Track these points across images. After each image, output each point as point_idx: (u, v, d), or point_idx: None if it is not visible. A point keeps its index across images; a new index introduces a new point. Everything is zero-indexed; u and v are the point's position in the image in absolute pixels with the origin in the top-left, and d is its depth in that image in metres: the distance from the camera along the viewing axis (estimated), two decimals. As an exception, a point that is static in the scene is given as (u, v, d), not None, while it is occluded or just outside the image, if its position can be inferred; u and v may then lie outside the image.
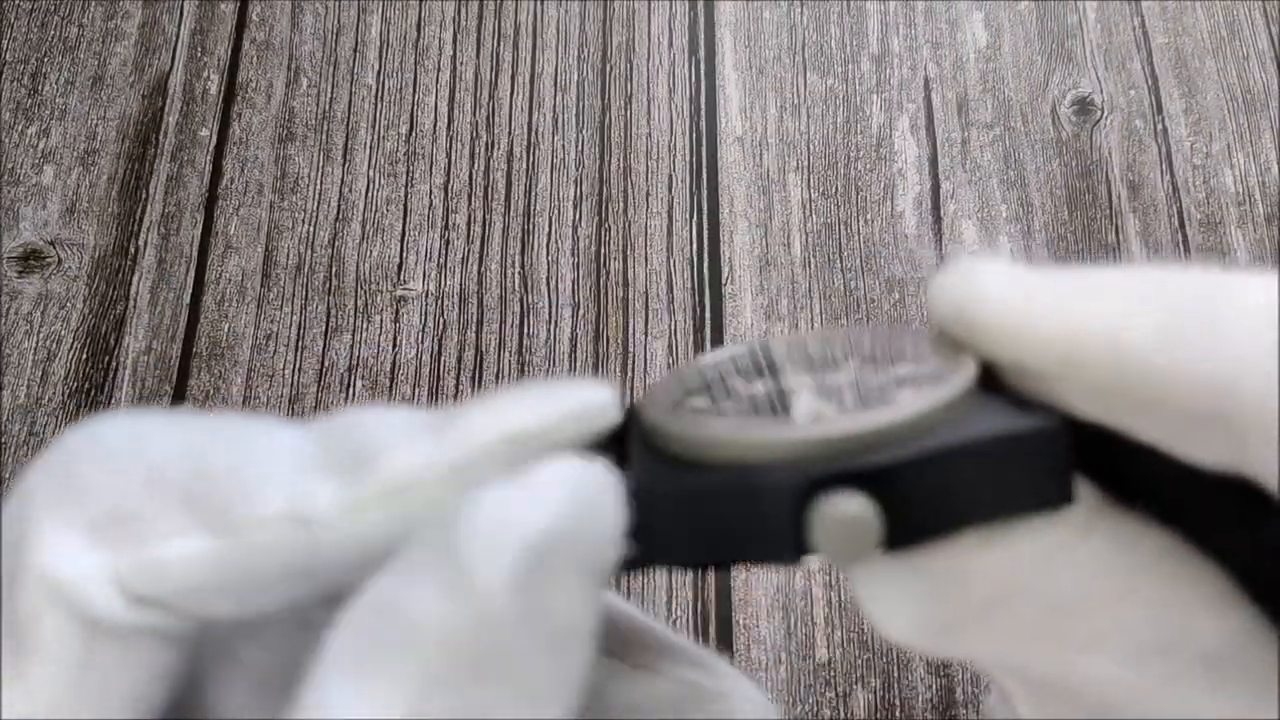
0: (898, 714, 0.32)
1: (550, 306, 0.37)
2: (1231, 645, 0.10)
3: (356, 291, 0.37)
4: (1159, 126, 0.40)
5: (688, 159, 0.39)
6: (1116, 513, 0.10)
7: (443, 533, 0.10)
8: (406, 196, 0.39)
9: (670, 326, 0.37)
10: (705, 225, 0.38)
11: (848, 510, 0.10)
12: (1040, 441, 0.10)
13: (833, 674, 0.32)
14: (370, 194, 0.39)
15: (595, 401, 0.11)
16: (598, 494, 0.10)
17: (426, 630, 0.09)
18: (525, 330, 0.37)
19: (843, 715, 0.32)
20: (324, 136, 0.39)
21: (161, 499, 0.11)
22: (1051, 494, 0.10)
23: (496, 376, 0.36)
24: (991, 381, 0.11)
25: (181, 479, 0.11)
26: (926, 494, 0.10)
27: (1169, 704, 0.10)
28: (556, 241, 0.38)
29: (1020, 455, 0.10)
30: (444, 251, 0.38)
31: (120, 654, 0.11)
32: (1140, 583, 0.10)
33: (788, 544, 0.10)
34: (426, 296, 0.37)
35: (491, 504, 0.10)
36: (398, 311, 0.37)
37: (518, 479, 0.10)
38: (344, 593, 0.12)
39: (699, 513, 0.11)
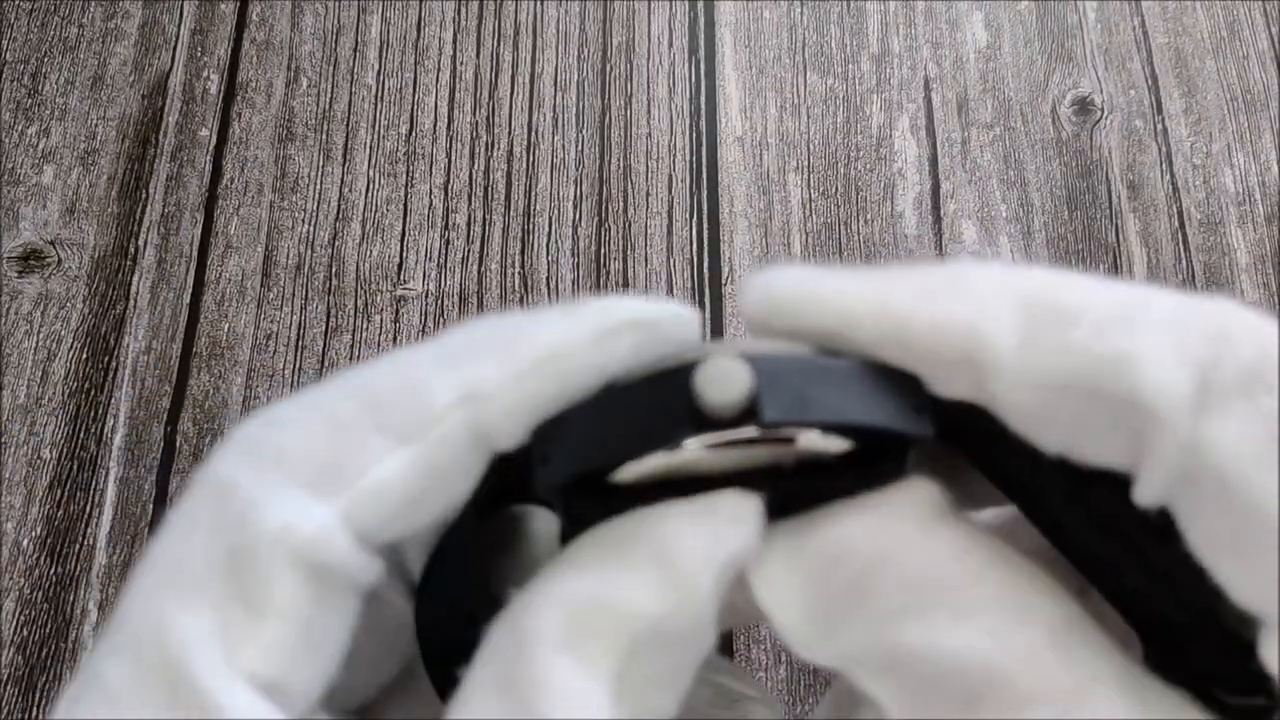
0: (898, 714, 0.32)
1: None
2: (1071, 620, 0.12)
3: (356, 291, 0.37)
4: (1159, 126, 0.40)
5: (688, 159, 0.39)
6: (964, 515, 0.13)
7: (652, 544, 0.12)
8: (406, 196, 0.39)
9: (670, 326, 0.37)
10: (705, 225, 0.38)
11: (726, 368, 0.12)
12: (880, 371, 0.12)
13: (832, 674, 0.32)
14: (370, 194, 0.39)
15: (688, 314, 0.14)
16: (760, 523, 0.12)
17: (642, 617, 0.12)
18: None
19: (843, 715, 0.32)
20: (324, 136, 0.39)
21: (354, 437, 0.13)
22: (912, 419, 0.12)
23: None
24: None
25: (358, 414, 0.13)
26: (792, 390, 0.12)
27: (1028, 675, 0.11)
28: (556, 241, 0.38)
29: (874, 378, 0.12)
30: (444, 251, 0.38)
31: (337, 605, 0.13)
32: (989, 568, 0.12)
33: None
34: (426, 296, 0.37)
35: (699, 523, 0.12)
36: (398, 311, 0.37)
37: (709, 505, 0.12)
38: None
39: (610, 407, 0.13)
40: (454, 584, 0.14)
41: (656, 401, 0.12)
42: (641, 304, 0.13)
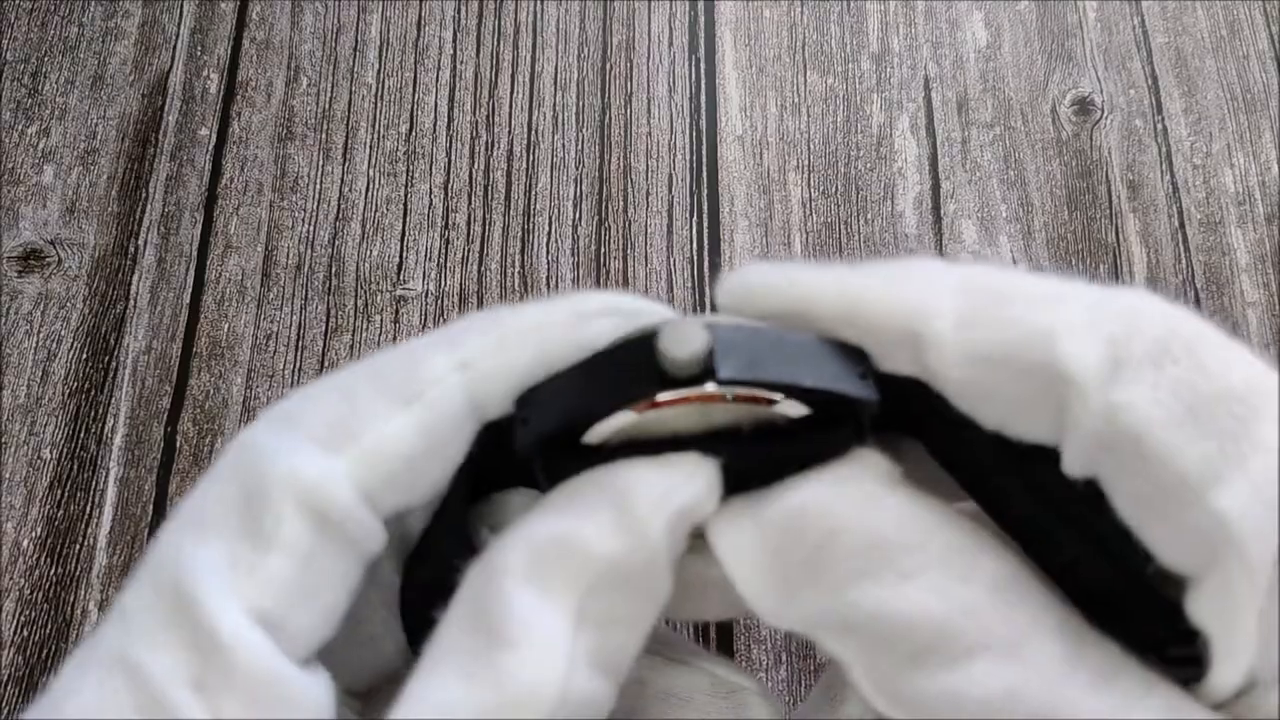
0: (898, 713, 0.32)
1: (550, 306, 0.37)
2: (1012, 576, 0.13)
3: (356, 291, 0.37)
4: (1159, 126, 0.40)
5: (688, 158, 0.39)
6: (910, 482, 0.14)
7: (613, 492, 0.13)
8: (406, 196, 0.39)
9: (670, 326, 0.37)
10: (705, 224, 0.38)
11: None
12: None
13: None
14: (370, 193, 0.39)
15: (667, 314, 0.15)
16: (716, 481, 0.14)
17: (603, 555, 0.13)
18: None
19: (843, 715, 0.32)
20: (324, 136, 0.39)
21: (360, 402, 0.14)
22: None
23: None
24: None
25: (366, 384, 0.14)
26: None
27: (971, 629, 0.12)
28: (556, 241, 0.38)
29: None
30: (444, 251, 0.38)
31: (336, 558, 0.13)
32: (936, 529, 0.13)
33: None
34: (426, 296, 0.37)
35: (656, 475, 0.13)
36: (398, 311, 0.37)
37: (666, 460, 0.13)
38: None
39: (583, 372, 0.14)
40: (439, 551, 0.15)
41: (623, 362, 0.13)
42: (622, 297, 0.15)
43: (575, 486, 0.14)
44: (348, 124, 0.39)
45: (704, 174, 0.39)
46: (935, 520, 0.13)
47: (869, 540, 0.13)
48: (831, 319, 0.14)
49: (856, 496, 0.13)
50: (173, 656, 0.12)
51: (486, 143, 0.39)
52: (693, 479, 0.13)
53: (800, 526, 0.13)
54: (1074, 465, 0.12)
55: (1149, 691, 0.12)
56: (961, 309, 0.13)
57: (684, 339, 0.13)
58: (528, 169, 0.39)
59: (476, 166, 0.39)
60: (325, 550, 0.13)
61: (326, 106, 0.40)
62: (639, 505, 0.13)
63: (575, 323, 0.14)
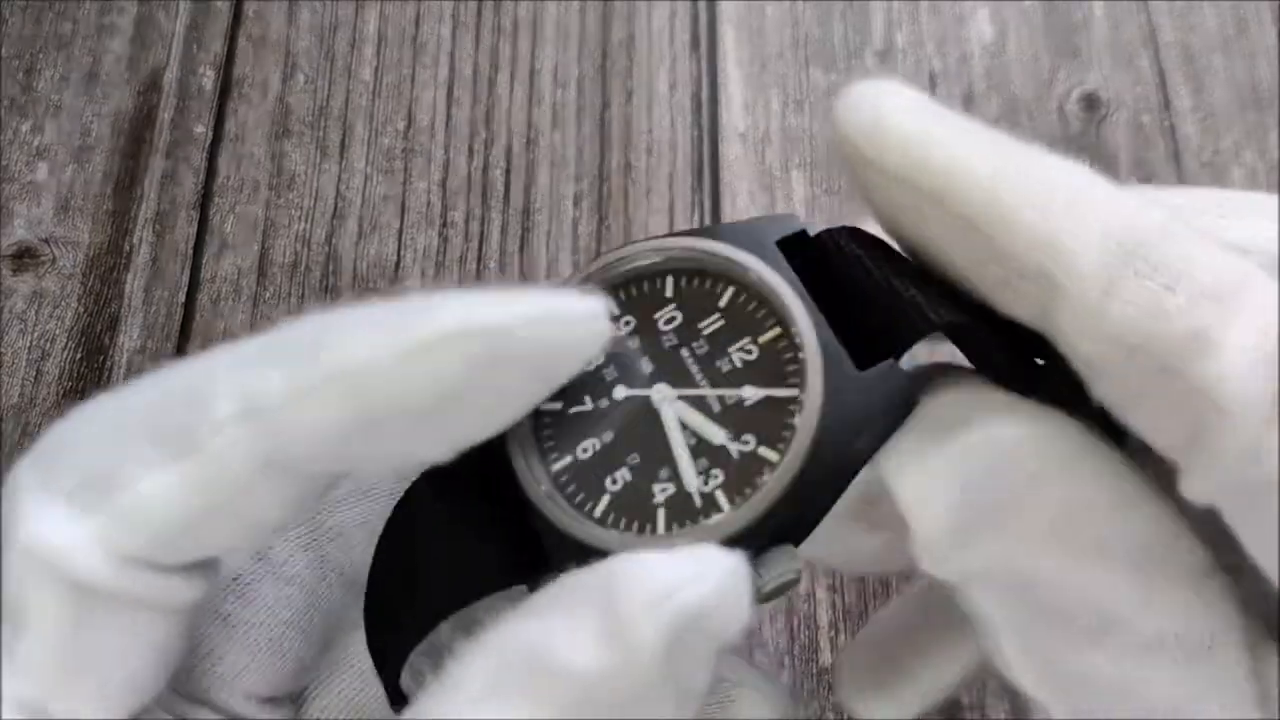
0: (902, 719, 0.32)
1: (550, 305, 0.37)
2: (1208, 565, 0.11)
3: (354, 289, 0.37)
4: (1166, 123, 0.39)
5: (689, 156, 0.39)
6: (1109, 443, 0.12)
7: (600, 590, 0.10)
8: (404, 193, 0.38)
9: (671, 325, 0.36)
10: (707, 222, 0.38)
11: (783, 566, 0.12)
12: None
13: (833, 677, 0.32)
14: (367, 191, 0.38)
15: (575, 311, 0.11)
16: (740, 583, 0.11)
17: (577, 672, 0.10)
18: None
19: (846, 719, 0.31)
20: (320, 133, 0.39)
21: (129, 444, 0.11)
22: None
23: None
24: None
25: (144, 419, 0.12)
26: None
27: (1155, 617, 0.11)
28: (555, 239, 0.38)
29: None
30: (442, 249, 0.37)
31: (112, 625, 0.11)
32: (1141, 497, 0.11)
33: None
34: (424, 295, 0.37)
35: (656, 568, 0.10)
36: (395, 310, 0.37)
37: (675, 553, 0.10)
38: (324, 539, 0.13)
39: None
40: (395, 564, 0.14)
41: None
42: (489, 308, 0.11)
43: (569, 579, 0.11)
44: (344, 121, 0.39)
45: (706, 171, 0.39)
46: (1135, 483, 0.11)
47: (1069, 497, 0.11)
48: (964, 217, 0.11)
49: (1063, 447, 0.11)
50: None
51: (485, 140, 0.39)
52: (703, 578, 0.10)
53: (1001, 467, 0.11)
54: (1197, 493, 0.11)
55: None
56: (1115, 275, 0.10)
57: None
58: (527, 166, 0.39)
59: (475, 164, 0.39)
60: (93, 623, 0.11)
61: (323, 103, 0.39)
62: (627, 606, 0.10)
63: (406, 365, 0.11)
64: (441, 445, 0.12)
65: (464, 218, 0.38)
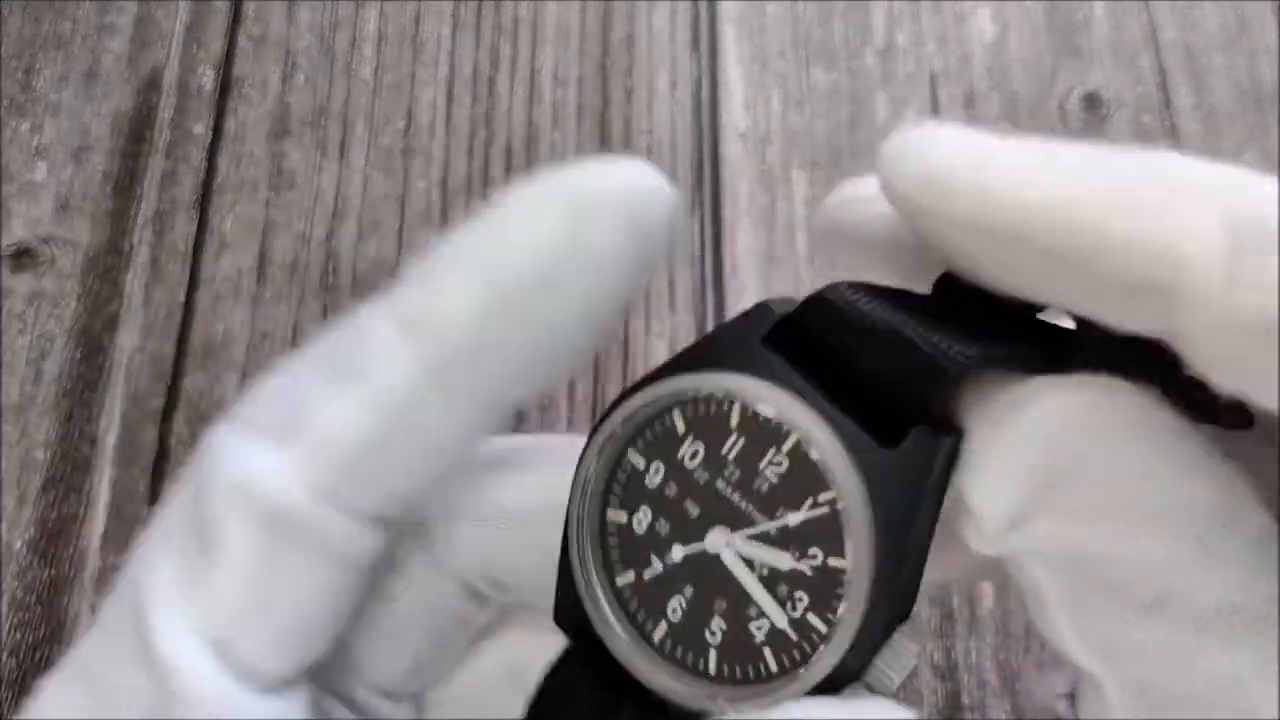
0: None
1: (550, 305, 0.37)
2: (1268, 534, 0.10)
3: (353, 289, 0.37)
4: (1168, 122, 0.39)
5: (690, 155, 0.39)
6: (1168, 407, 0.11)
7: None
8: (404, 193, 0.38)
9: (672, 325, 0.36)
10: (708, 222, 0.38)
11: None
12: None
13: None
14: (367, 190, 0.38)
15: (639, 169, 0.12)
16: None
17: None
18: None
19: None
20: (320, 132, 0.39)
21: (312, 383, 0.12)
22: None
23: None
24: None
25: (320, 360, 0.12)
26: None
27: (1215, 587, 0.10)
28: (556, 239, 0.38)
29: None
30: (442, 249, 0.37)
31: (299, 566, 0.12)
32: (1202, 462, 0.11)
33: None
34: (424, 295, 0.37)
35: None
36: (395, 310, 0.37)
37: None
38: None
39: None
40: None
41: None
42: (561, 172, 0.12)
43: None
44: (344, 120, 0.39)
45: (706, 171, 0.38)
46: (1204, 456, 0.11)
47: (1126, 468, 0.10)
48: (1057, 251, 0.10)
49: (1117, 416, 0.11)
50: (127, 678, 0.11)
51: (485, 139, 0.39)
52: None
53: (1055, 440, 0.11)
54: None
55: None
56: (1233, 259, 0.10)
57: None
58: (527, 166, 0.39)
59: (475, 163, 0.39)
60: (283, 558, 0.12)
61: (323, 102, 0.39)
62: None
63: (514, 234, 0.12)
64: (574, 322, 0.12)
65: (464, 217, 0.38)
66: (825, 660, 0.11)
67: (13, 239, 0.37)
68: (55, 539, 0.33)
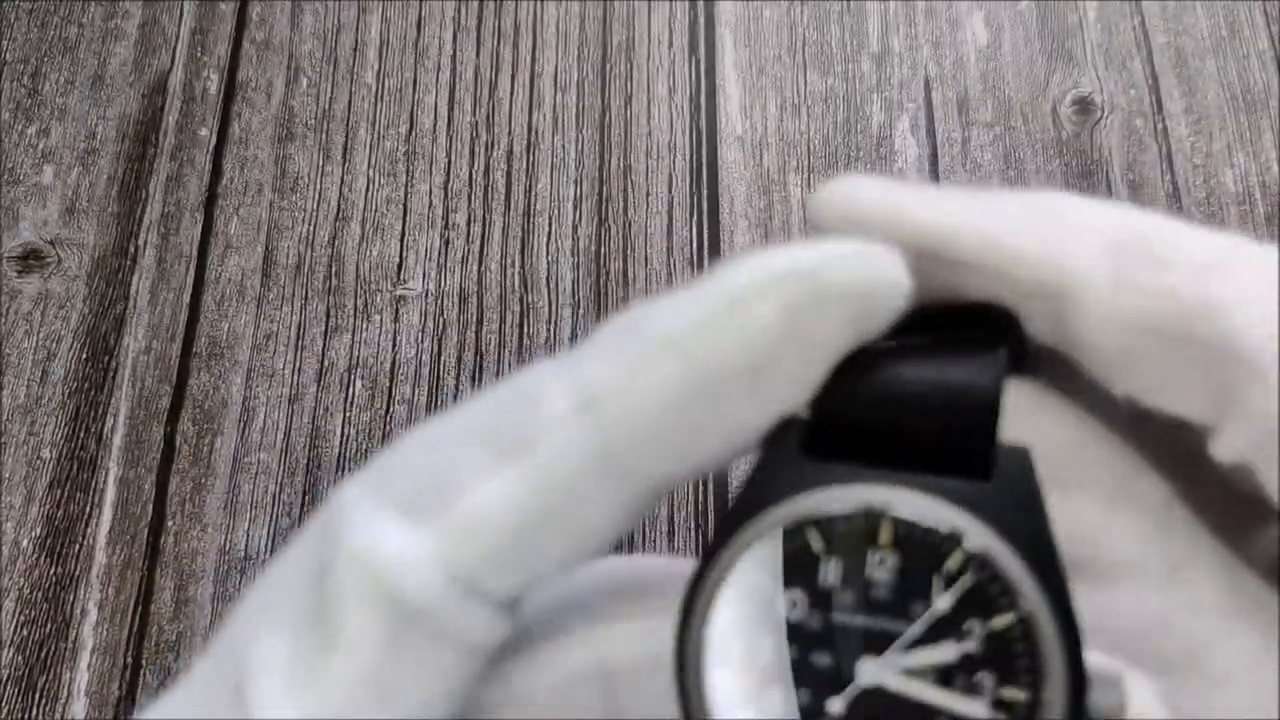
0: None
1: (550, 306, 0.37)
2: (1168, 501, 0.12)
3: (356, 291, 0.37)
4: (1159, 126, 0.40)
5: (688, 158, 0.39)
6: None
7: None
8: (406, 196, 0.39)
9: (670, 326, 0.36)
10: (705, 225, 0.38)
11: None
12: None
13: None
14: (370, 193, 0.39)
15: (876, 251, 0.11)
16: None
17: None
18: (525, 330, 0.36)
19: None
20: (324, 136, 0.39)
21: (463, 452, 0.11)
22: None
23: (496, 376, 0.36)
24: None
25: (475, 426, 0.11)
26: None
27: (1122, 541, 0.11)
28: (556, 241, 0.38)
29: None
30: (444, 251, 0.38)
31: (422, 658, 0.11)
32: (1095, 443, 0.12)
33: None
34: (426, 296, 0.37)
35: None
36: (397, 311, 0.37)
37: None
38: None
39: None
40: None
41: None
42: (791, 253, 0.11)
43: None
44: (347, 124, 0.39)
45: (704, 174, 0.39)
46: (1100, 434, 0.12)
47: (1048, 451, 0.11)
48: (972, 265, 0.11)
49: (1038, 400, 0.12)
50: None
51: (486, 143, 0.39)
52: None
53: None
54: (1229, 449, 0.11)
55: None
56: (1117, 269, 0.11)
57: None
58: (528, 169, 0.39)
59: (476, 167, 0.39)
60: (406, 647, 0.11)
61: (326, 107, 0.40)
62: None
63: (727, 320, 0.10)
64: (763, 410, 0.11)
65: (466, 220, 0.38)
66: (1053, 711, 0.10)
67: (20, 241, 0.37)
68: (62, 537, 0.34)
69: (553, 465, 0.11)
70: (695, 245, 0.38)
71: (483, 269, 0.37)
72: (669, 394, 0.11)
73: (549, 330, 0.37)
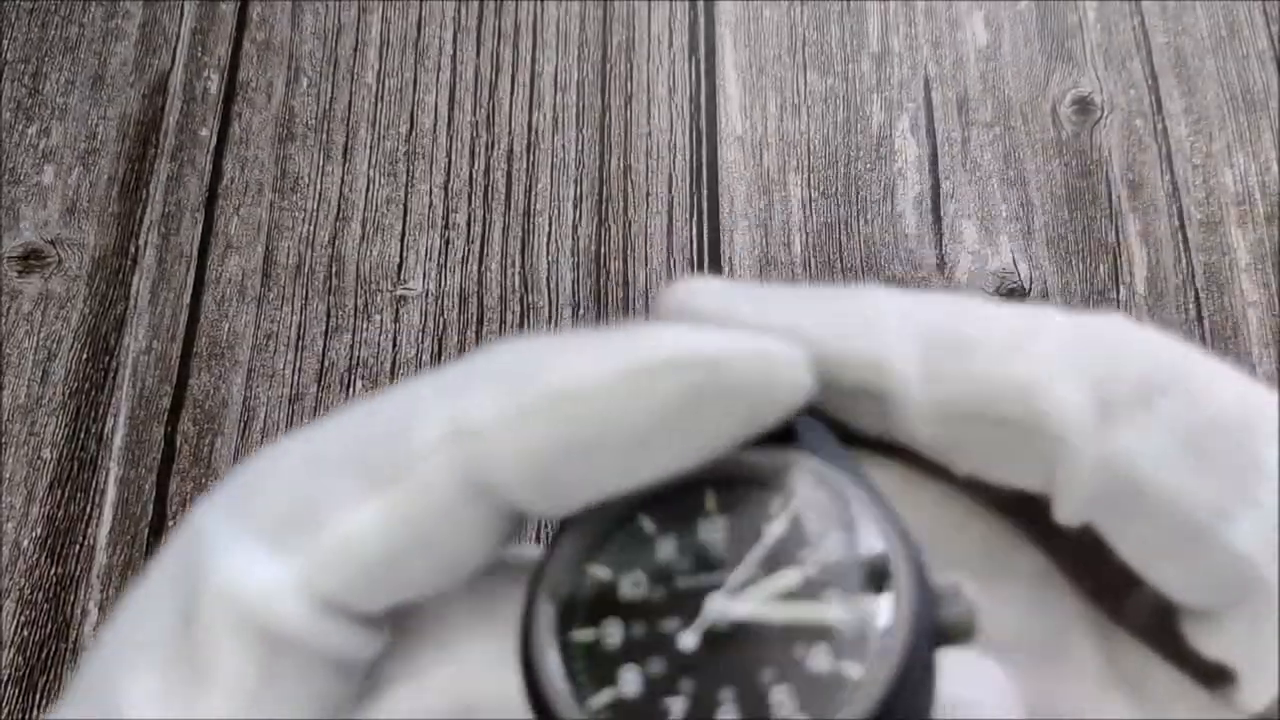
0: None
1: (550, 306, 0.37)
2: (1046, 575, 0.12)
3: (356, 291, 0.37)
4: (1159, 126, 0.40)
5: (688, 158, 0.39)
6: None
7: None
8: (406, 196, 0.39)
9: (670, 326, 0.37)
10: (705, 225, 0.38)
11: None
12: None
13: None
14: (370, 193, 0.39)
15: (785, 355, 0.11)
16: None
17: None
18: (525, 330, 0.37)
19: None
20: (324, 136, 0.39)
21: (329, 479, 0.11)
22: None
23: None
24: None
25: (343, 452, 0.11)
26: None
27: (1006, 615, 0.12)
28: (556, 241, 0.38)
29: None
30: (444, 251, 0.38)
31: (297, 682, 0.11)
32: (972, 521, 0.12)
33: None
34: (426, 296, 0.37)
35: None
36: (398, 311, 0.37)
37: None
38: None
39: None
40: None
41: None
42: (702, 338, 0.11)
43: None
44: (348, 124, 0.39)
45: (704, 174, 0.39)
46: (971, 512, 0.12)
47: (922, 527, 0.12)
48: (777, 369, 0.11)
49: (894, 481, 0.12)
50: None
51: (486, 143, 0.39)
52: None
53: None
54: (1067, 515, 0.11)
55: (1179, 697, 0.11)
56: (927, 362, 0.11)
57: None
58: (528, 169, 0.39)
59: (477, 167, 0.39)
60: (282, 675, 0.11)
61: (327, 107, 0.40)
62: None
63: (630, 388, 0.10)
64: (637, 477, 0.11)
65: (466, 220, 0.38)
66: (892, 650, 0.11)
67: (21, 241, 0.37)
68: (63, 537, 0.34)
69: (422, 496, 0.11)
70: (695, 245, 0.38)
71: (483, 269, 0.37)
72: (551, 447, 0.11)
73: (549, 330, 0.37)
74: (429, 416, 0.11)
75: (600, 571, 0.12)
